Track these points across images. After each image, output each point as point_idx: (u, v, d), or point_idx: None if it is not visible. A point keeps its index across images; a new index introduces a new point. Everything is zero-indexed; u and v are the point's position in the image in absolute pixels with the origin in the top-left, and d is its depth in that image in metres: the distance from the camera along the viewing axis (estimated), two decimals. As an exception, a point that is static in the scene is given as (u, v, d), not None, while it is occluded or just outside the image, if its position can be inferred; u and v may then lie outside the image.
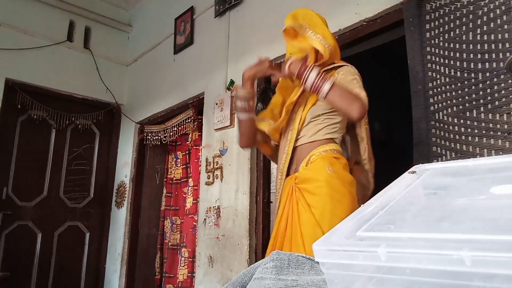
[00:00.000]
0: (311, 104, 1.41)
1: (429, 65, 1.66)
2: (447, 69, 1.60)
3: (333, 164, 1.32)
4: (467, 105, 1.51)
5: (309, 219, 1.23)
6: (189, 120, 3.33)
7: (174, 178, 3.70)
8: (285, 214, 1.33)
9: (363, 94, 1.35)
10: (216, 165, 2.81)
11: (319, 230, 1.19)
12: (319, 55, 1.43)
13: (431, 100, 1.64)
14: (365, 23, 2.09)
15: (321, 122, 1.41)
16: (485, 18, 1.49)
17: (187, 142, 3.56)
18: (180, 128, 3.44)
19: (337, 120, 1.44)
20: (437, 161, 1.58)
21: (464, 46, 1.55)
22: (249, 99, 1.46)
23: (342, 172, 1.32)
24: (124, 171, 4.02)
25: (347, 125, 1.51)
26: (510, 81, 1.40)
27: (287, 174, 1.41)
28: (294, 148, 1.42)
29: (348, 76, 1.40)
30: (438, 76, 1.63)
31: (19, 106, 3.55)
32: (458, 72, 1.56)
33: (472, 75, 1.51)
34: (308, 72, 1.29)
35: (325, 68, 1.44)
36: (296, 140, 1.41)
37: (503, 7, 1.44)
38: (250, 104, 1.47)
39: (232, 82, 2.82)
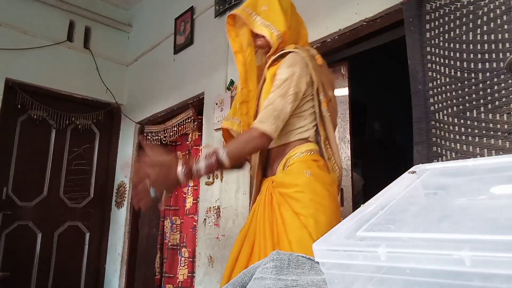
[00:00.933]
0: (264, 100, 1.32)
1: (429, 65, 1.66)
2: (447, 69, 1.60)
3: (311, 167, 1.27)
4: (467, 105, 1.51)
5: (294, 223, 1.18)
6: (189, 120, 3.33)
7: (174, 178, 3.69)
8: (260, 213, 1.27)
9: (268, 113, 1.22)
10: (216, 165, 2.81)
11: (306, 233, 1.16)
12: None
13: (431, 100, 1.64)
14: (365, 23, 2.09)
15: (290, 123, 1.31)
16: (485, 18, 1.49)
17: (187, 142, 3.56)
18: (180, 128, 3.44)
19: (308, 120, 1.35)
20: (437, 161, 1.58)
21: (464, 46, 1.55)
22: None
23: (320, 173, 1.28)
24: (124, 171, 4.02)
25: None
26: (510, 81, 1.40)
27: (264, 175, 1.37)
28: (267, 150, 1.35)
29: (280, 70, 1.29)
30: (438, 76, 1.63)
31: (19, 106, 3.55)
32: (458, 72, 1.56)
33: (472, 75, 1.51)
34: (196, 170, 1.11)
35: (273, 57, 1.36)
36: None
37: (503, 7, 1.44)
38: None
39: (232, 82, 2.82)
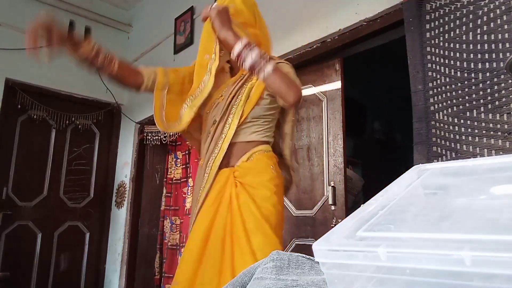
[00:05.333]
0: (254, 103, 1.34)
1: (429, 65, 1.66)
2: (447, 69, 1.60)
3: (275, 164, 1.35)
4: (467, 105, 1.51)
5: (253, 214, 1.21)
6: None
7: (174, 178, 3.70)
8: (216, 204, 1.27)
9: (298, 81, 1.32)
10: (216, 165, 2.81)
11: (266, 225, 1.20)
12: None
13: (431, 100, 1.64)
14: (365, 23, 2.09)
15: (261, 123, 1.37)
16: (485, 18, 1.49)
17: (187, 142, 3.56)
18: (180, 128, 3.43)
19: (272, 124, 1.42)
20: (437, 161, 1.58)
21: (464, 46, 1.55)
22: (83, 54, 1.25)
23: (279, 172, 1.37)
24: (124, 171, 4.02)
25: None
26: (510, 81, 1.40)
27: (219, 167, 1.36)
28: (230, 144, 1.34)
29: (284, 69, 1.33)
30: (438, 76, 1.63)
31: (19, 106, 3.56)
32: (458, 72, 1.56)
33: (472, 75, 1.51)
34: (249, 49, 1.16)
35: None
36: (233, 136, 1.34)
37: (503, 7, 1.44)
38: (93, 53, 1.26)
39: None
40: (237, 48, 1.16)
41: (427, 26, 1.69)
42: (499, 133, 1.40)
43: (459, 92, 1.54)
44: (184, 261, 1.28)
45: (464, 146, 1.50)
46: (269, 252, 0.54)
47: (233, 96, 1.37)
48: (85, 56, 1.27)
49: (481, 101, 1.47)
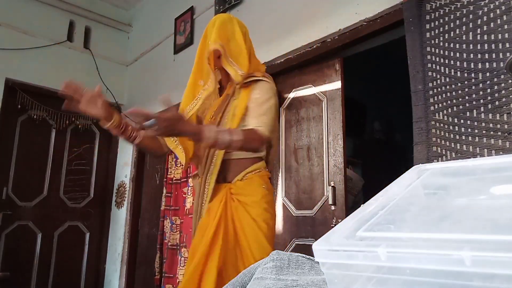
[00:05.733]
0: (239, 120, 1.45)
1: (429, 65, 1.66)
2: (447, 69, 1.60)
3: (267, 182, 1.50)
4: (467, 105, 1.51)
5: (253, 230, 1.36)
6: (189, 120, 3.32)
7: (174, 178, 3.70)
8: (217, 217, 1.38)
9: (266, 120, 1.43)
10: (216, 165, 2.81)
11: (261, 234, 1.36)
12: (230, 76, 1.49)
13: (431, 100, 1.64)
14: (365, 23, 2.09)
15: None
16: (485, 18, 1.49)
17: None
18: (180, 128, 3.43)
19: None
20: (437, 161, 1.58)
21: (464, 46, 1.55)
22: (117, 125, 1.38)
23: (270, 186, 1.52)
24: (124, 171, 4.02)
25: None
26: (510, 81, 1.40)
27: (217, 181, 1.49)
28: (224, 160, 1.48)
29: (263, 96, 1.46)
30: (438, 76, 1.63)
31: (19, 106, 3.56)
32: (458, 72, 1.56)
33: (472, 75, 1.51)
34: (208, 133, 1.27)
35: (245, 81, 1.48)
36: (225, 153, 1.47)
37: (503, 7, 1.44)
38: (122, 128, 1.40)
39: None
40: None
41: (427, 26, 1.69)
42: (499, 133, 1.40)
43: (459, 92, 1.54)
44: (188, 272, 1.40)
45: (464, 146, 1.50)
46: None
47: (221, 116, 1.51)
48: (117, 132, 1.40)
49: (481, 101, 1.47)
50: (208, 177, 1.49)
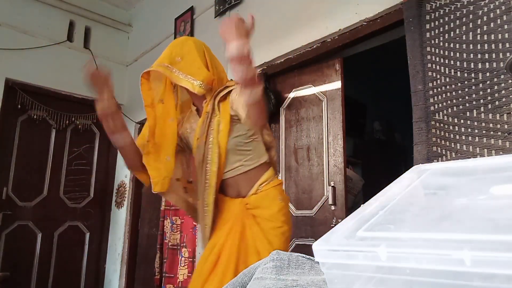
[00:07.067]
0: (227, 134, 1.38)
1: (429, 65, 1.66)
2: (447, 69, 1.60)
3: (281, 192, 1.44)
4: (467, 105, 1.51)
5: (266, 247, 1.31)
6: (189, 120, 3.32)
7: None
8: (233, 232, 1.36)
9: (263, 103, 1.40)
10: (216, 165, 2.81)
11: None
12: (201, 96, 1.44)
13: (431, 100, 1.64)
14: (365, 23, 2.09)
15: (247, 150, 1.42)
16: (485, 18, 1.49)
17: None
18: (180, 128, 3.43)
19: (258, 141, 1.46)
20: (437, 161, 1.58)
21: (464, 46, 1.55)
22: (113, 114, 1.34)
23: (286, 197, 1.46)
24: (124, 171, 4.02)
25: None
26: (510, 81, 1.40)
27: (224, 195, 1.45)
28: (233, 177, 1.41)
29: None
30: (438, 76, 1.63)
31: (19, 106, 3.56)
32: (458, 72, 1.56)
33: (472, 75, 1.51)
34: (247, 64, 1.15)
35: (221, 94, 1.42)
36: (224, 172, 1.41)
37: (503, 7, 1.44)
38: (118, 122, 1.35)
39: (232, 82, 2.82)
40: (236, 51, 1.15)
41: (427, 26, 1.69)
42: (499, 133, 1.40)
43: (459, 92, 1.54)
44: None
45: (464, 146, 1.50)
46: None
47: (206, 135, 1.42)
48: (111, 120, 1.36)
49: (481, 101, 1.47)
50: (205, 198, 1.42)
